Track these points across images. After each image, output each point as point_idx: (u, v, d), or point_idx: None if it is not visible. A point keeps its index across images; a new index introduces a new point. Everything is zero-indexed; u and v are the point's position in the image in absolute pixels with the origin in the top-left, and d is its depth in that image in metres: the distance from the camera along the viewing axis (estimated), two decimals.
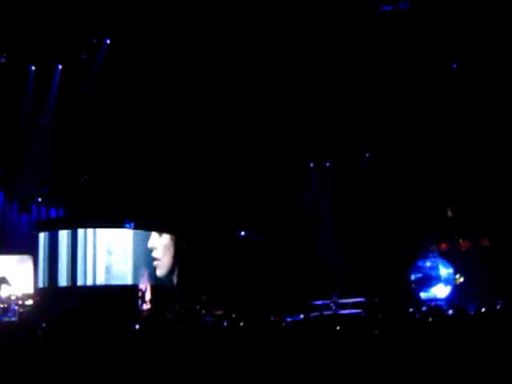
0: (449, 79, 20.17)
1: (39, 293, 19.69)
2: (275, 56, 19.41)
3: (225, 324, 11.37)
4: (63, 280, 19.94)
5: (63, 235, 20.04)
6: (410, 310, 15.28)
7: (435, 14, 17.80)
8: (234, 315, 15.18)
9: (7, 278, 18.85)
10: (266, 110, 21.44)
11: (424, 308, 18.72)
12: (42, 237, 20.29)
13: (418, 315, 12.59)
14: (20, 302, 18.38)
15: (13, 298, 18.21)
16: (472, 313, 11.57)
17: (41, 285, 20.12)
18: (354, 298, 20.87)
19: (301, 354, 6.79)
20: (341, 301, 20.85)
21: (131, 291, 19.63)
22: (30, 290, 19.87)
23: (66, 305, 16.84)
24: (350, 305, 20.64)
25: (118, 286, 19.75)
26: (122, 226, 20.53)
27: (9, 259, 20.69)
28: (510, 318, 8.85)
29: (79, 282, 19.85)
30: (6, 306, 17.76)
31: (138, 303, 19.38)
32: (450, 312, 15.02)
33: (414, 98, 21.13)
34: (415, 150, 22.28)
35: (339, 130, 22.29)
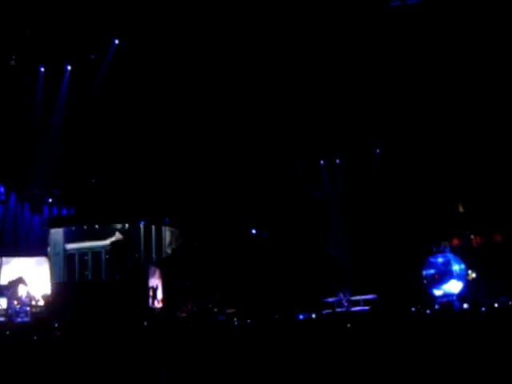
0: (461, 74, 20.07)
1: (55, 287, 19.79)
2: (285, 53, 19.38)
3: (236, 322, 11.39)
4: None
5: None
6: (415, 308, 15.18)
7: (443, 7, 17.72)
8: (244, 313, 15.19)
9: (24, 278, 19.06)
10: (277, 107, 21.42)
11: (436, 304, 18.66)
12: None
13: (428, 311, 12.56)
14: (33, 303, 18.52)
15: (26, 298, 18.37)
16: (484, 309, 11.51)
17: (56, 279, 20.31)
18: (366, 295, 20.81)
19: (314, 351, 6.79)
20: (352, 298, 20.82)
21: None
22: (47, 291, 20.05)
23: (80, 300, 16.99)
24: (362, 302, 20.59)
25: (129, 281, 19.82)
26: (133, 222, 20.67)
27: (26, 261, 20.91)
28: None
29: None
30: (18, 307, 17.91)
31: (149, 301, 19.43)
32: (464, 307, 14.99)
33: (424, 93, 21.03)
34: (426, 146, 22.19)
35: (349, 126, 22.23)
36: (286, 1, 17.63)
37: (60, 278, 20.39)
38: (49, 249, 20.86)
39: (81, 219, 20.97)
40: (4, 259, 20.78)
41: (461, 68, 20.02)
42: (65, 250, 20.74)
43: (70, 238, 20.81)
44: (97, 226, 20.78)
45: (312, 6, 17.72)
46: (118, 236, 20.02)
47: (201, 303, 19.60)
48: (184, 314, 18.43)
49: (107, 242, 20.64)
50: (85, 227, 20.77)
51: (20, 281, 18.86)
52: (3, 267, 20.62)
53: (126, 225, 20.89)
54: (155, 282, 20.43)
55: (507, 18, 17.94)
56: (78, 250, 20.80)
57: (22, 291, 18.70)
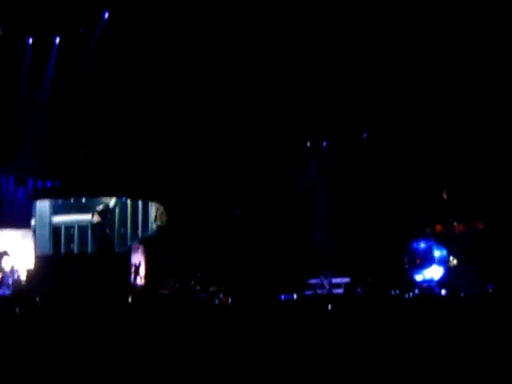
0: (446, 61, 20.10)
1: (39, 260, 19.71)
2: (272, 37, 19.31)
3: (216, 301, 11.46)
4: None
5: None
6: (396, 292, 15.36)
7: None
8: (226, 291, 15.26)
9: (8, 251, 18.98)
10: (264, 89, 21.37)
11: (416, 289, 18.84)
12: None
13: (407, 296, 12.70)
14: (16, 275, 18.48)
15: (11, 272, 18.31)
16: (463, 295, 11.65)
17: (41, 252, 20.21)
18: (348, 277, 20.98)
19: (294, 331, 6.85)
20: (334, 280, 20.98)
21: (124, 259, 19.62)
22: (32, 264, 19.99)
23: (63, 272, 16.96)
24: (344, 285, 20.75)
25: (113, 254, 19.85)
26: (116, 196, 20.61)
27: (12, 234, 20.77)
28: (502, 300, 8.93)
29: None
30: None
31: (130, 278, 19.44)
32: (443, 293, 15.15)
33: (411, 78, 21.06)
34: (412, 133, 22.26)
35: (336, 110, 22.24)
36: None
37: (45, 251, 20.27)
38: (34, 221, 20.69)
39: (66, 191, 20.80)
40: None
41: (447, 53, 20.04)
42: (50, 223, 20.56)
43: (56, 211, 20.63)
44: (84, 200, 20.68)
45: None
46: (96, 218, 19.93)
47: (183, 281, 19.66)
48: (166, 291, 18.48)
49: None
50: (71, 200, 20.64)
51: (4, 254, 18.79)
52: None
53: (111, 201, 20.83)
54: (138, 258, 20.44)
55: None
56: (64, 222, 20.63)
57: (6, 264, 18.64)
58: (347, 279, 20.83)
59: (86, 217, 20.51)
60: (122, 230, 20.89)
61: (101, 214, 19.65)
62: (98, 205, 20.44)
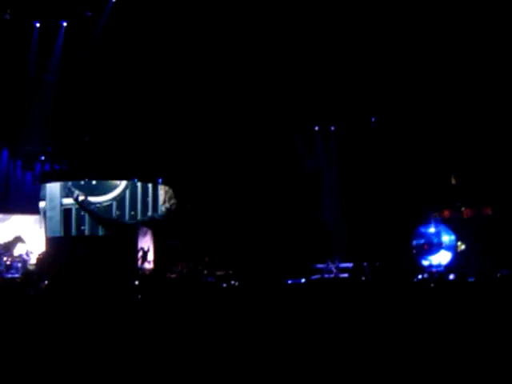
0: (455, 44, 19.94)
1: (49, 242, 19.80)
2: (280, 18, 19.19)
3: (224, 285, 11.46)
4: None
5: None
6: (404, 276, 15.27)
7: None
8: (234, 275, 15.27)
9: (22, 236, 19.10)
10: (271, 72, 21.27)
11: (425, 274, 18.82)
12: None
13: (415, 280, 12.65)
14: (25, 258, 18.59)
15: (26, 256, 18.43)
16: (472, 280, 11.61)
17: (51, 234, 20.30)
18: (350, 262, 20.98)
19: (301, 316, 6.85)
20: (342, 264, 20.99)
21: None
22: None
23: (71, 252, 17.04)
24: (351, 269, 20.75)
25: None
26: (127, 178, 20.67)
27: (25, 219, 20.88)
28: (510, 286, 8.89)
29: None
30: (9, 263, 18.00)
31: (137, 262, 19.51)
32: (451, 277, 15.11)
33: (420, 63, 20.91)
34: (420, 117, 22.15)
35: (345, 93, 22.13)
36: None
37: (56, 233, 20.35)
38: (43, 204, 20.72)
39: (74, 174, 20.87)
40: (1, 216, 20.76)
41: (457, 41, 19.88)
42: (61, 205, 20.61)
43: (67, 193, 20.68)
44: (94, 182, 20.73)
45: None
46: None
47: (191, 265, 19.74)
48: (174, 275, 18.54)
49: (106, 197, 20.64)
50: (82, 182, 20.70)
51: (18, 239, 18.91)
52: (0, 225, 20.62)
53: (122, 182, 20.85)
54: (146, 242, 20.51)
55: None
56: (74, 204, 20.71)
57: (20, 249, 18.76)
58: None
59: (97, 199, 20.60)
60: (132, 213, 20.97)
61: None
62: (108, 188, 20.51)
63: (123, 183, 20.95)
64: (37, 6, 18.48)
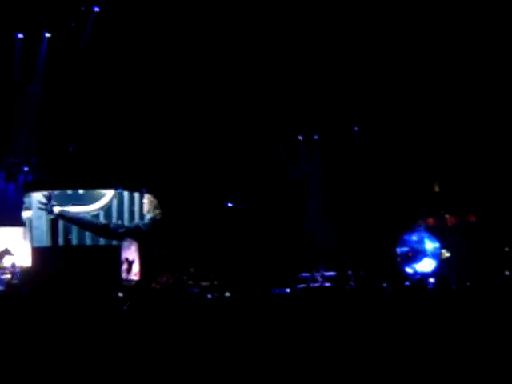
0: (438, 53, 20.13)
1: (34, 252, 19.54)
2: (264, 27, 19.29)
3: (209, 296, 11.45)
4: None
5: None
6: (384, 284, 15.33)
7: None
8: (219, 286, 15.24)
9: (9, 249, 18.87)
10: (255, 81, 21.35)
11: (407, 282, 18.88)
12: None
13: (397, 288, 12.72)
14: (12, 270, 18.34)
15: (13, 269, 18.20)
16: (454, 288, 11.71)
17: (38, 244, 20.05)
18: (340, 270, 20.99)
19: (287, 326, 6.87)
20: (327, 273, 21.01)
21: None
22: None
23: (54, 265, 16.82)
24: (334, 277, 20.78)
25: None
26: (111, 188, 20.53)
27: (13, 231, 20.64)
28: (492, 292, 8.97)
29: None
30: None
31: (121, 273, 19.36)
32: (432, 284, 15.20)
33: (403, 71, 21.08)
34: (404, 125, 22.30)
35: (328, 102, 22.24)
36: None
37: (42, 243, 20.13)
38: (28, 213, 20.48)
39: (57, 184, 20.67)
40: None
41: (440, 48, 20.07)
42: (48, 214, 20.39)
43: (54, 202, 20.46)
44: (81, 191, 20.60)
45: None
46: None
47: (176, 275, 19.65)
48: (158, 286, 18.45)
49: (93, 207, 20.48)
50: (69, 192, 20.54)
51: (6, 252, 18.66)
52: None
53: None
54: (131, 253, 20.39)
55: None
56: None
57: (7, 262, 18.51)
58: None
59: (84, 208, 20.46)
60: (119, 222, 20.85)
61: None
62: (95, 197, 20.42)
63: (110, 192, 20.83)
64: (19, 17, 18.44)
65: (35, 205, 20.24)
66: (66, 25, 19.23)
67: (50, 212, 19.70)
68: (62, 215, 19.86)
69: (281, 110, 22.68)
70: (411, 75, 21.01)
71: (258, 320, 7.02)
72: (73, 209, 20.46)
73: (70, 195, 20.48)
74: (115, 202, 20.81)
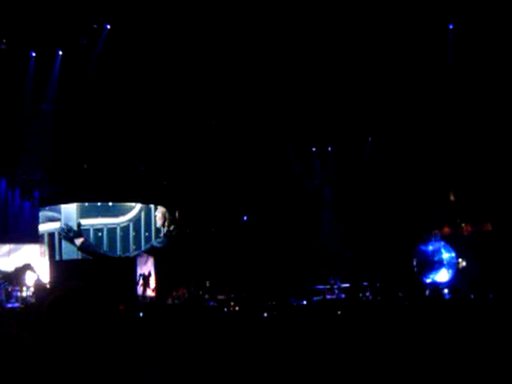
0: (454, 63, 20.07)
1: (55, 266, 19.63)
2: (277, 39, 19.30)
3: (226, 309, 11.43)
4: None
5: None
6: (404, 295, 15.28)
7: None
8: (235, 299, 15.22)
9: (32, 265, 18.96)
10: (269, 95, 21.37)
11: (426, 292, 18.76)
12: None
13: (415, 299, 12.66)
14: (25, 287, 18.41)
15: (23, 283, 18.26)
16: (472, 297, 11.60)
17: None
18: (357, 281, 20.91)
19: (305, 337, 6.83)
20: (343, 285, 20.93)
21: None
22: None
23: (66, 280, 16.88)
24: (348, 289, 20.71)
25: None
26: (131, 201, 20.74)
27: (34, 248, 20.78)
28: (510, 303, 8.88)
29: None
30: (9, 291, 17.84)
31: (138, 290, 19.40)
32: (446, 293, 15.08)
33: (416, 81, 21.03)
34: (418, 134, 22.21)
35: (341, 114, 22.22)
36: None
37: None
38: (44, 227, 20.48)
39: (72, 197, 20.84)
40: (13, 246, 20.67)
41: (457, 59, 20.01)
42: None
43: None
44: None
45: None
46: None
47: (192, 289, 19.66)
48: (176, 301, 18.47)
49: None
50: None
51: (27, 267, 18.72)
52: (12, 254, 20.51)
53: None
54: (147, 269, 20.43)
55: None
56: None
57: (30, 278, 18.57)
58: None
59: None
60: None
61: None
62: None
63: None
64: (32, 36, 18.59)
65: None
66: (78, 42, 19.36)
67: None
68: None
69: (295, 122, 22.68)
70: (425, 86, 20.94)
71: (275, 332, 6.99)
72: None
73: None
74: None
